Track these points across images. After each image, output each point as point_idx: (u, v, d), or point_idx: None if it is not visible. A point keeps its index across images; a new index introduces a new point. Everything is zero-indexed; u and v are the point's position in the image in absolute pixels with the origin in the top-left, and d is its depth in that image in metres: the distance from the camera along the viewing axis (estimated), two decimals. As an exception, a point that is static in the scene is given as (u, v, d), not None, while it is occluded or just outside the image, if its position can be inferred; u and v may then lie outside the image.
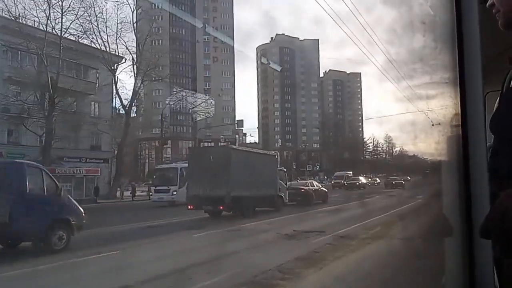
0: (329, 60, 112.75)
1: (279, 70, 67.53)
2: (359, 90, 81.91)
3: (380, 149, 64.28)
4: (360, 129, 77.67)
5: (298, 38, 71.14)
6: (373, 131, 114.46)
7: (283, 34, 69.47)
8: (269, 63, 66.38)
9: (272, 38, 70.44)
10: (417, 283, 3.15)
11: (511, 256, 0.54)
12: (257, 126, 71.74)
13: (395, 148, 61.17)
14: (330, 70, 78.71)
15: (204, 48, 57.92)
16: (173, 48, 54.43)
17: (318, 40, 72.74)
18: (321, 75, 79.12)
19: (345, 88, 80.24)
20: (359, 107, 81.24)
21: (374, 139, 66.34)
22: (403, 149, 55.15)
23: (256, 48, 72.37)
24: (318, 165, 54.46)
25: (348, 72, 78.73)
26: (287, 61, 69.20)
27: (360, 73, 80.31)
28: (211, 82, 56.07)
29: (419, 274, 3.32)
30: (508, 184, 0.59)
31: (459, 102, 1.17)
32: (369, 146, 65.84)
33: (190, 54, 56.94)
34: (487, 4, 0.76)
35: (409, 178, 32.01)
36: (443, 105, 1.49)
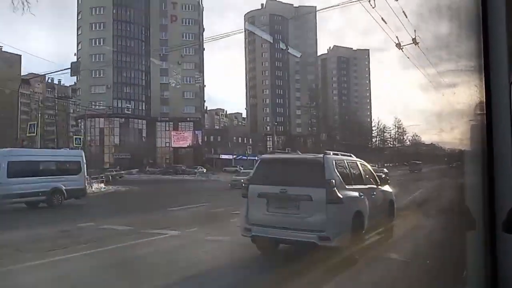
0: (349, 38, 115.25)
1: (270, 40, 67.21)
2: (367, 69, 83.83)
3: (388, 134, 66.60)
4: (368, 113, 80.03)
5: (292, 4, 71.83)
6: (383, 117, 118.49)
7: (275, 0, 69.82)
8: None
9: (262, 4, 71.02)
10: (439, 276, 3.63)
11: None
12: (245, 106, 72.35)
13: (406, 135, 63.86)
14: (334, 46, 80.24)
15: (160, 4, 56.41)
16: (117, 3, 52.95)
17: (315, 7, 73.36)
18: (325, 51, 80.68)
19: (351, 67, 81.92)
20: (367, 88, 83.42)
21: (380, 123, 69.03)
22: (417, 137, 57.87)
23: (244, 16, 72.03)
24: (288, 150, 55.28)
25: (355, 48, 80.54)
26: (279, 31, 69.61)
27: (368, 50, 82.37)
28: (168, 46, 54.42)
29: (440, 267, 3.82)
30: None
31: (484, 91, 1.47)
32: (374, 132, 68.26)
33: (142, 11, 55.42)
34: None
35: (386, 171, 32.94)
36: (467, 93, 1.81)
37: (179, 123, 56.00)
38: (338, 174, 5.68)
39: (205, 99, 61.67)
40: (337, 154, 6.26)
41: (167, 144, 55.87)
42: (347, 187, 5.70)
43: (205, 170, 42.90)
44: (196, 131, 55.89)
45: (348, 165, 6.26)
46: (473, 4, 1.54)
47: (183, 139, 55.37)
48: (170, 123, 55.95)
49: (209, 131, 63.59)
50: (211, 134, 61.07)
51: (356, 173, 6.38)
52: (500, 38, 1.45)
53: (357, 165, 6.59)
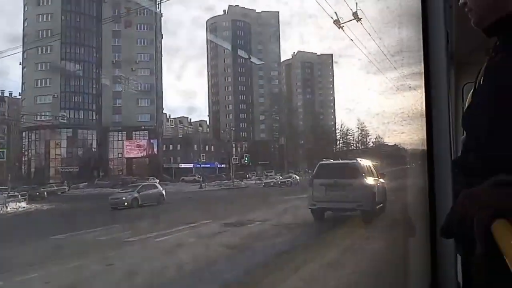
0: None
1: (229, 48, 68.50)
2: (331, 73, 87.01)
3: (351, 137, 69.29)
4: (332, 117, 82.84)
5: (255, 10, 73.92)
6: (346, 120, 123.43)
7: (237, 5, 71.91)
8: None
9: (224, 10, 72.21)
10: (380, 281, 3.75)
11: (473, 255, 0.71)
12: (207, 113, 72.42)
13: (369, 137, 66.84)
14: (298, 51, 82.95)
15: (113, 10, 55.48)
16: (66, 9, 52.03)
17: (278, 12, 76.21)
18: (289, 56, 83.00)
19: (315, 71, 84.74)
20: (331, 92, 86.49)
21: (343, 126, 71.76)
22: (380, 139, 61.09)
23: (206, 22, 72.89)
24: (246, 156, 55.27)
25: (318, 53, 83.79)
26: (242, 37, 71.31)
27: (331, 54, 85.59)
28: (122, 52, 54.36)
29: (382, 273, 3.95)
30: (476, 182, 0.77)
31: (424, 96, 1.53)
32: (338, 135, 71.06)
33: (93, 17, 54.60)
34: (459, 3, 1.02)
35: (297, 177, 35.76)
36: (414, 98, 1.90)
37: (133, 132, 54.92)
38: (364, 171, 10.68)
39: (166, 106, 60.97)
40: (361, 160, 11.53)
41: (120, 155, 54.48)
42: (368, 178, 10.64)
43: (158, 181, 42.12)
44: (151, 140, 54.97)
45: (366, 166, 11.31)
46: (415, 11, 1.60)
47: (137, 148, 54.28)
48: (123, 132, 54.67)
49: (168, 139, 62.80)
50: (170, 143, 60.40)
51: (370, 170, 11.28)
52: (439, 45, 1.52)
53: (370, 166, 11.66)
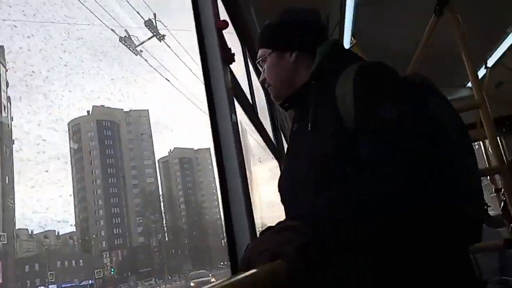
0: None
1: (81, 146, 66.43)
2: (211, 167, 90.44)
3: None
4: (216, 203, 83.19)
5: (122, 109, 75.05)
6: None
7: (102, 105, 72.37)
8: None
9: (88, 111, 71.17)
10: None
11: None
12: (74, 223, 64.92)
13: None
14: (175, 148, 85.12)
15: None
16: None
17: (148, 110, 79.41)
18: (166, 154, 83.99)
19: (195, 166, 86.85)
20: (213, 185, 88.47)
21: None
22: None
23: (67, 124, 69.97)
24: (112, 268, 52.28)
25: (195, 148, 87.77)
26: (109, 136, 70.22)
27: (209, 148, 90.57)
28: None
29: None
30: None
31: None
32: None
33: None
34: (259, 80, 1.12)
35: None
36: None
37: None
38: None
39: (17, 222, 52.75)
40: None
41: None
42: None
43: None
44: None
45: None
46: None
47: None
48: None
49: (25, 259, 53.33)
50: (27, 263, 51.29)
51: None
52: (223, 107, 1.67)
53: None
